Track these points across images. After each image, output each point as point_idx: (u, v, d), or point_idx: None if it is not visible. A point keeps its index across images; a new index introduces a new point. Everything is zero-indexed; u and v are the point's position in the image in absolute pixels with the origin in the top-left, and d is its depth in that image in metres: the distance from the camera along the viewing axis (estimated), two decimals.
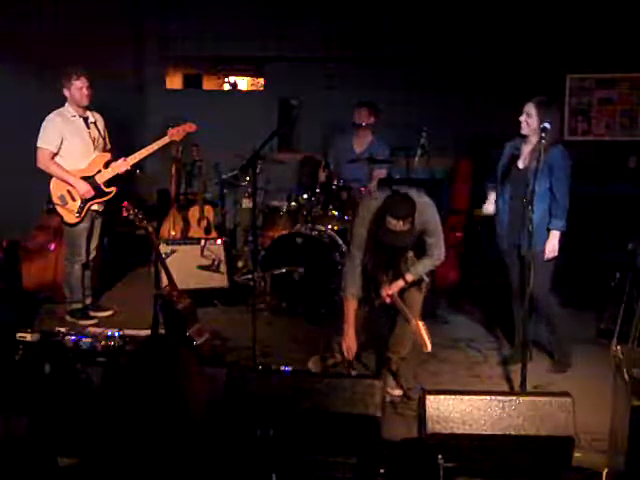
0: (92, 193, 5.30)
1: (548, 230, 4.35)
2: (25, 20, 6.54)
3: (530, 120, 4.29)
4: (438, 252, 4.12)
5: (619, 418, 3.12)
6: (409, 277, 4.11)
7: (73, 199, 5.29)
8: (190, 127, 5.50)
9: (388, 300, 4.15)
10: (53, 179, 5.28)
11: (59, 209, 5.31)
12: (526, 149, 4.40)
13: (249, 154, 4.62)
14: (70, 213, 5.31)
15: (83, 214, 5.32)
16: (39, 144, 5.22)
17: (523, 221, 4.23)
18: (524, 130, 4.33)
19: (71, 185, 5.26)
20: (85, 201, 5.30)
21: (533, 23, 7.04)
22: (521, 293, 4.32)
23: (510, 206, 4.42)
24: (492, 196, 4.69)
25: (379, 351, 4.61)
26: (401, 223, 3.76)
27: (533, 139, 4.30)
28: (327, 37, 7.58)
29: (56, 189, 5.29)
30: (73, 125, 5.30)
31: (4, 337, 3.92)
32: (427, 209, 4.02)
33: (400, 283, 4.12)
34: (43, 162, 5.22)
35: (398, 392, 4.29)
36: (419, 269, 4.14)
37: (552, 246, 4.35)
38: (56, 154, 5.25)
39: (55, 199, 5.30)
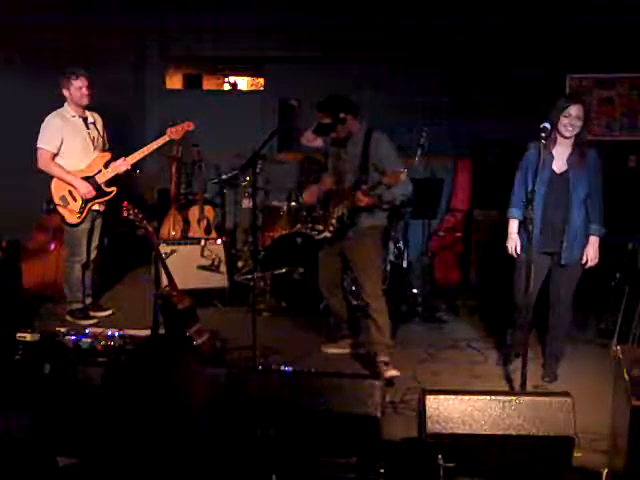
0: (93, 193, 5.30)
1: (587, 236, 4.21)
2: (25, 20, 6.54)
3: (579, 123, 4.11)
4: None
5: (619, 418, 3.12)
6: (387, 195, 4.36)
7: (74, 199, 5.29)
8: (189, 126, 5.53)
9: (364, 200, 4.33)
10: (54, 180, 5.28)
11: (60, 209, 5.31)
12: (560, 151, 4.21)
13: (249, 154, 4.62)
14: (71, 213, 5.31)
15: (84, 214, 5.32)
16: (39, 145, 5.22)
17: (563, 228, 4.16)
18: (569, 133, 4.11)
19: (72, 185, 5.26)
20: (86, 201, 5.30)
21: (533, 23, 7.03)
22: (557, 300, 4.32)
23: (542, 212, 4.17)
24: (514, 225, 4.39)
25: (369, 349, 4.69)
26: (320, 115, 4.43)
27: (569, 141, 4.16)
28: (327, 37, 7.57)
29: (57, 190, 5.29)
30: (73, 125, 5.30)
31: (4, 337, 3.92)
32: (383, 140, 4.45)
33: (372, 197, 4.33)
34: (43, 163, 5.22)
35: (393, 372, 4.42)
36: (394, 191, 4.34)
37: (594, 252, 4.19)
38: (56, 154, 5.25)
39: (56, 200, 5.30)
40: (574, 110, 4.10)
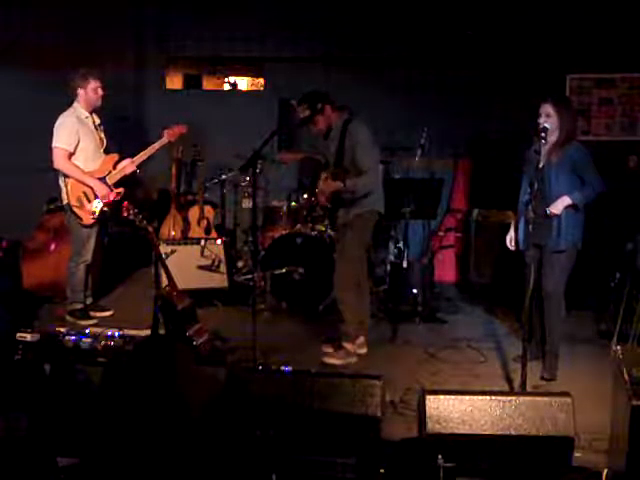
0: (110, 194, 5.30)
1: (571, 227, 4.31)
2: (25, 21, 6.54)
3: (551, 120, 4.27)
4: (368, 167, 4.57)
5: (619, 418, 3.12)
6: (349, 183, 4.59)
7: (89, 200, 5.27)
8: (182, 128, 5.60)
9: (322, 200, 4.90)
10: (70, 180, 5.24)
11: (77, 210, 5.27)
12: (545, 148, 4.33)
13: (249, 154, 4.63)
14: (87, 214, 5.28)
15: (98, 215, 5.31)
16: (55, 144, 5.17)
17: (547, 220, 4.27)
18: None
19: (88, 186, 5.25)
20: (100, 202, 5.28)
21: (533, 23, 7.03)
22: (545, 293, 4.37)
23: (529, 207, 4.22)
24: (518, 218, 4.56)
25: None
26: (300, 108, 4.64)
27: (552, 138, 4.30)
28: (327, 37, 7.58)
29: (74, 191, 5.25)
30: (86, 126, 5.29)
31: (4, 337, 3.92)
32: (358, 129, 4.61)
33: (335, 184, 4.65)
34: (60, 162, 5.18)
35: (333, 360, 4.71)
36: (356, 180, 4.58)
37: (555, 205, 4.27)
38: (72, 154, 5.23)
39: (73, 201, 5.25)
40: (544, 108, 4.29)
